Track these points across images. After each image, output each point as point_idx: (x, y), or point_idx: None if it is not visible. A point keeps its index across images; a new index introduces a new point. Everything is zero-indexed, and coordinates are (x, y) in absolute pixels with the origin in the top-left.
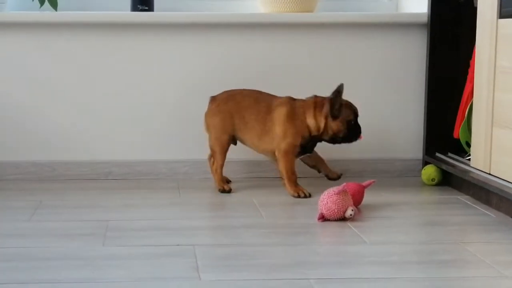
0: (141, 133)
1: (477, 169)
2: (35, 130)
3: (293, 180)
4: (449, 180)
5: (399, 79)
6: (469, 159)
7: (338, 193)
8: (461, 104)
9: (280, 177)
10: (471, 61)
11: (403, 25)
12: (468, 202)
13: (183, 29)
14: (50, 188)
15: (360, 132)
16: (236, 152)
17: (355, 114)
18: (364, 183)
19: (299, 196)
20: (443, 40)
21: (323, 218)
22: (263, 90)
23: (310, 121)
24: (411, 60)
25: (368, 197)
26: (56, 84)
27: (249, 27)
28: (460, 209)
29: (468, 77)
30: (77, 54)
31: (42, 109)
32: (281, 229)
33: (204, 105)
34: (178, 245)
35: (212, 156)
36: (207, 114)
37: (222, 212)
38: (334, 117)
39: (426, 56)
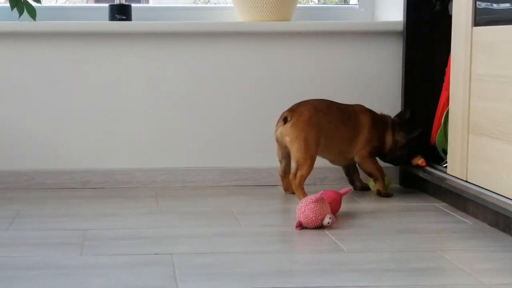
0: (118, 141)
1: (454, 177)
2: (13, 139)
3: (382, 175)
4: (426, 188)
5: (375, 87)
6: (446, 167)
7: (316, 201)
8: (437, 111)
9: (372, 179)
10: (446, 69)
11: (379, 33)
12: (445, 210)
13: (161, 38)
14: (28, 197)
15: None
16: (213, 160)
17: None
18: (341, 191)
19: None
20: (418, 48)
21: (301, 226)
22: (240, 98)
23: (388, 137)
24: (387, 68)
25: (346, 205)
26: (34, 93)
27: (226, 36)
28: (437, 217)
29: (444, 84)
30: (55, 64)
31: (20, 118)
32: (259, 237)
33: (181, 113)
34: (156, 254)
35: (297, 168)
36: (294, 127)
37: (200, 220)
38: (403, 148)
39: (402, 64)
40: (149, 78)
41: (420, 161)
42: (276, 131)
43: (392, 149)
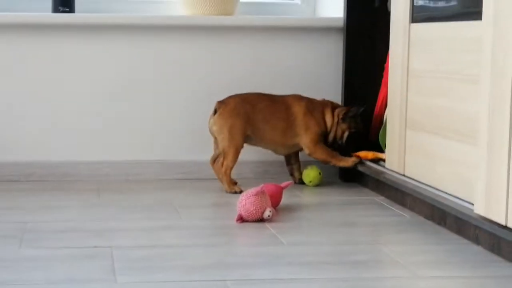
0: (62, 134)
1: (392, 171)
2: None
3: (338, 157)
4: (365, 182)
5: (316, 82)
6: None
7: (256, 194)
8: (376, 107)
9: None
10: (385, 65)
11: (320, 29)
12: (384, 203)
13: (104, 31)
14: None
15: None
16: (156, 153)
17: (358, 131)
18: (282, 184)
19: (358, 163)
20: (359, 44)
21: (241, 219)
22: (183, 91)
23: (328, 117)
24: (328, 63)
25: (286, 198)
26: None
27: (169, 29)
28: (375, 210)
29: (383, 80)
30: None
31: None
32: (199, 230)
33: (125, 105)
34: (95, 247)
35: (223, 158)
36: (220, 117)
37: (141, 214)
38: (343, 121)
39: (343, 59)
40: (93, 70)
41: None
42: (209, 122)
43: (334, 131)
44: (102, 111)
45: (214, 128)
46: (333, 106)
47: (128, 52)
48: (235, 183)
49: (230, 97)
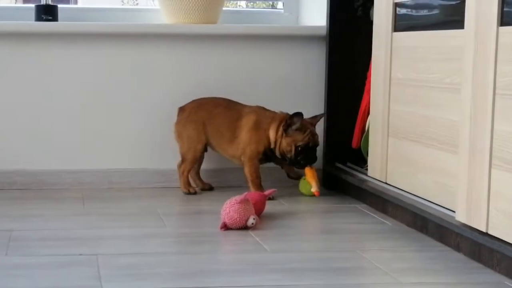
0: (45, 142)
1: (374, 179)
2: None
3: (257, 183)
4: (348, 189)
5: (299, 90)
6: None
7: (240, 202)
8: (358, 115)
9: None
10: (367, 73)
11: (303, 38)
12: (366, 211)
13: (87, 39)
14: None
15: (305, 164)
16: (140, 161)
17: (307, 145)
18: (266, 192)
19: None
20: (341, 52)
21: (225, 227)
22: (167, 100)
23: (271, 132)
24: (311, 71)
25: (270, 206)
26: None
27: (153, 37)
28: (358, 218)
29: (365, 88)
30: None
31: None
32: (184, 238)
33: (108, 114)
34: (81, 254)
35: (181, 161)
36: (178, 124)
37: (126, 222)
38: (287, 134)
39: (325, 68)
40: (76, 78)
41: (314, 190)
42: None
43: (278, 146)
44: (85, 119)
45: (175, 134)
46: (282, 120)
47: (112, 60)
48: (211, 188)
49: (189, 102)
